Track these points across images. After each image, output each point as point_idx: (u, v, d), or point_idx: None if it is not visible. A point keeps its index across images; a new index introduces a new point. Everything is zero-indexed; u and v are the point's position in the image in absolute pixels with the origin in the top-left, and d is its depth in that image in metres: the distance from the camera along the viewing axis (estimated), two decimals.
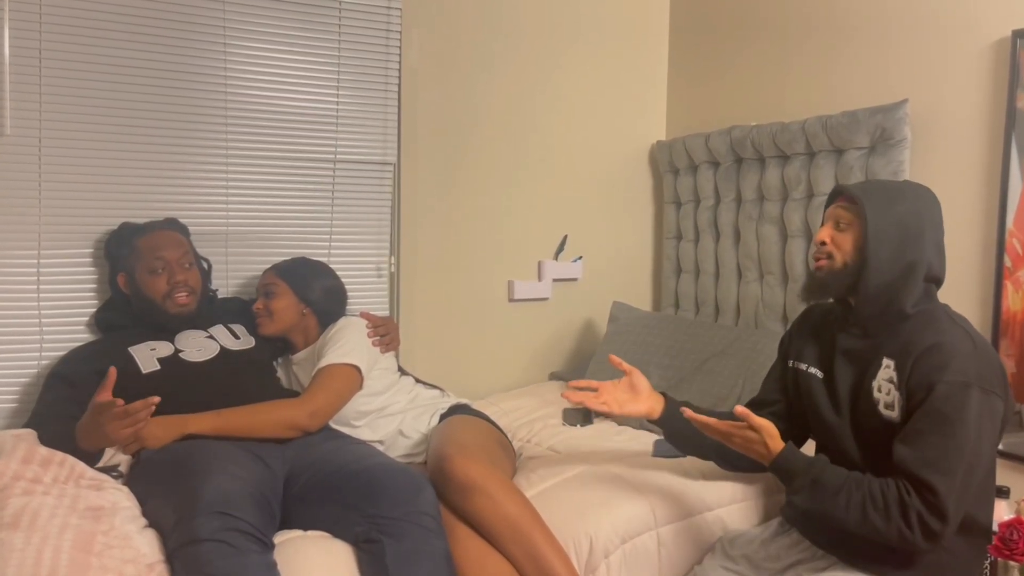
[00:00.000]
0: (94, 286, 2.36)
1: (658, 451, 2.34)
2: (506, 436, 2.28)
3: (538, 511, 1.91)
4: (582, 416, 2.68)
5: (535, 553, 1.82)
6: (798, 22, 2.77)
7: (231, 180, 2.54)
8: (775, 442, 1.65)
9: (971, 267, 2.27)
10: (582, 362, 3.12)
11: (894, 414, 1.63)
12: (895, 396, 1.63)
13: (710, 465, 2.18)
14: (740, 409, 1.65)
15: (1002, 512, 1.89)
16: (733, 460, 1.93)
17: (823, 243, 1.74)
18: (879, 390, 1.66)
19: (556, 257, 3.17)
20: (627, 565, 1.97)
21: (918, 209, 1.68)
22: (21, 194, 2.26)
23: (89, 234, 2.34)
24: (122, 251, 2.23)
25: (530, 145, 3.08)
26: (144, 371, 2.09)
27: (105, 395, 1.78)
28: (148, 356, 2.13)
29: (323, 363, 2.13)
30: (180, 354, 2.16)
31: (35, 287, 2.29)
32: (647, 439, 2.45)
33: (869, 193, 1.70)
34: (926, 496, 1.51)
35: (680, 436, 1.98)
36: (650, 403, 1.95)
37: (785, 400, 1.93)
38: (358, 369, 2.15)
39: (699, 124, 3.11)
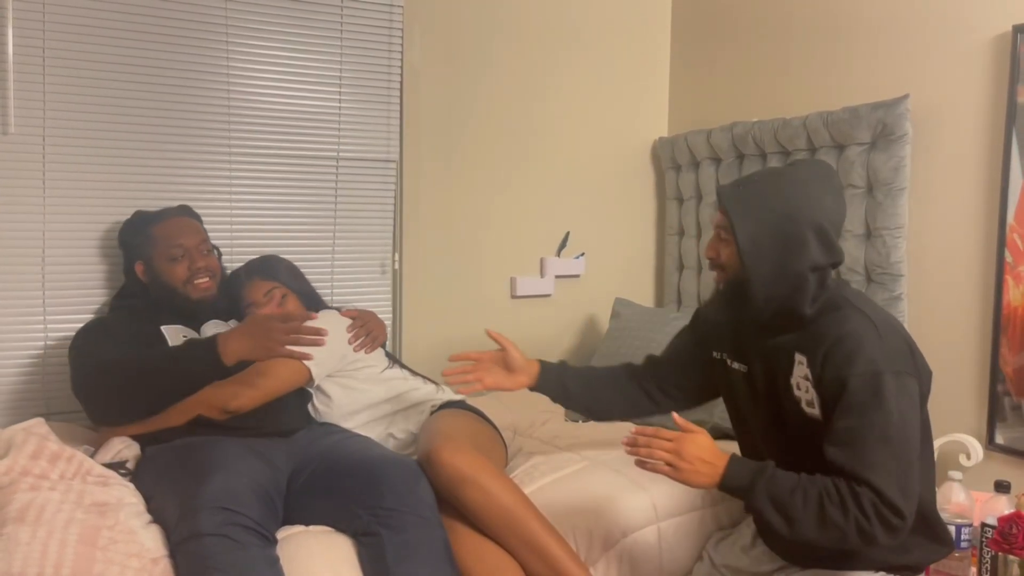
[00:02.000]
0: (99, 284, 2.37)
1: None
2: (497, 430, 2.26)
3: (538, 506, 1.91)
4: None
5: (532, 540, 1.82)
6: (800, 18, 2.77)
7: (235, 178, 2.55)
8: (719, 458, 1.56)
9: (972, 262, 2.27)
10: (585, 358, 3.12)
11: (816, 412, 1.57)
12: (813, 394, 1.57)
13: None
14: (679, 419, 1.60)
15: (1002, 507, 1.89)
16: (601, 412, 2.02)
17: (711, 258, 1.69)
18: (798, 388, 1.61)
19: (558, 254, 3.18)
20: (628, 559, 1.98)
21: (793, 213, 1.58)
22: (25, 193, 2.27)
23: (93, 232, 2.36)
24: (137, 239, 2.22)
25: (532, 141, 3.08)
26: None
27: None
28: (179, 340, 2.11)
29: None
30: None
31: (40, 286, 2.30)
32: None
33: (743, 206, 1.62)
34: (873, 498, 1.45)
35: (561, 398, 2.02)
36: (523, 377, 1.98)
37: (690, 379, 1.95)
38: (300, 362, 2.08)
39: (701, 120, 3.11)
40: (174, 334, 2.12)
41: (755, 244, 1.59)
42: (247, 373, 2.02)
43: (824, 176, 1.65)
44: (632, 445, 1.59)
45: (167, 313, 2.18)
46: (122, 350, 2.00)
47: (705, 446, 1.56)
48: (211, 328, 2.20)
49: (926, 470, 1.63)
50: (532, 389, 2.02)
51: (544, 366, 2.01)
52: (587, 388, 2.04)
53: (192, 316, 2.19)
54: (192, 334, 2.16)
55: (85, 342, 2.06)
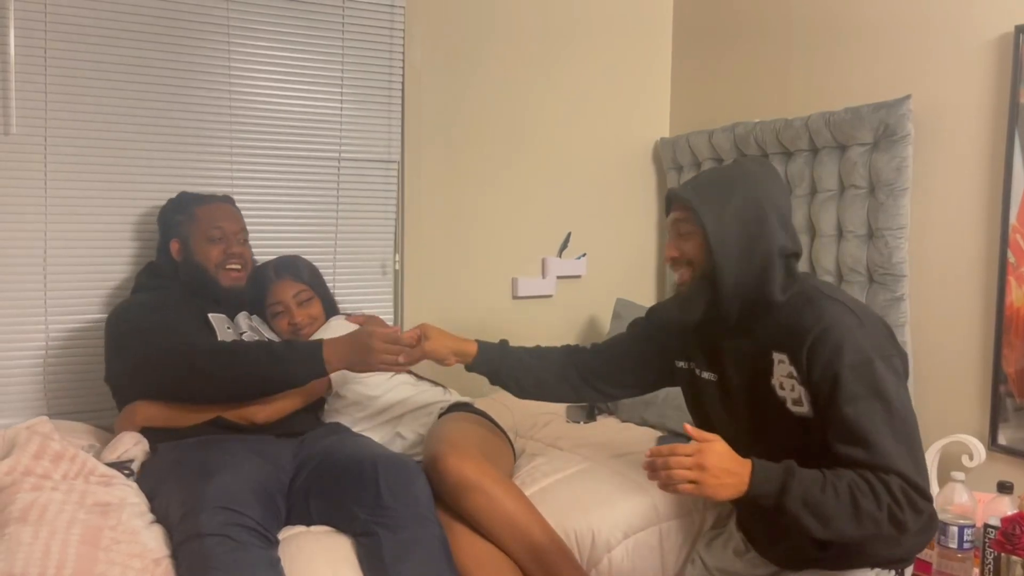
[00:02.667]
0: (100, 282, 2.37)
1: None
2: (505, 433, 2.27)
3: (540, 507, 1.91)
4: (586, 413, 2.70)
5: (535, 548, 1.82)
6: (801, 18, 2.77)
7: (236, 178, 2.55)
8: (742, 464, 1.47)
9: (974, 263, 2.27)
10: None
11: (804, 409, 1.54)
12: (800, 391, 1.54)
13: None
14: (691, 429, 1.52)
15: (1005, 507, 1.89)
16: (530, 390, 2.01)
17: (673, 257, 1.68)
18: (781, 388, 1.57)
19: (560, 254, 3.18)
20: (630, 560, 1.98)
21: (754, 196, 1.60)
22: (27, 193, 2.27)
23: (95, 232, 2.36)
24: (178, 217, 2.22)
25: (533, 142, 3.08)
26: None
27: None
28: (224, 331, 2.11)
29: None
30: (243, 336, 2.15)
31: (42, 287, 2.30)
32: (650, 435, 2.46)
33: (700, 193, 1.63)
34: (900, 483, 1.43)
35: (491, 373, 2.00)
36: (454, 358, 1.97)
37: (633, 378, 1.95)
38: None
39: (703, 121, 3.11)
40: (219, 323, 2.11)
41: (722, 227, 1.59)
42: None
43: (771, 170, 1.71)
44: (652, 469, 1.48)
45: (198, 298, 2.16)
46: (188, 334, 1.99)
47: (724, 454, 1.46)
48: (243, 320, 2.20)
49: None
50: (468, 369, 2.00)
51: (482, 345, 1.99)
52: (519, 364, 2.01)
53: (219, 303, 2.17)
54: (232, 324, 2.15)
55: (143, 319, 2.02)
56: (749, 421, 1.66)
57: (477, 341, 2.00)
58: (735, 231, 1.59)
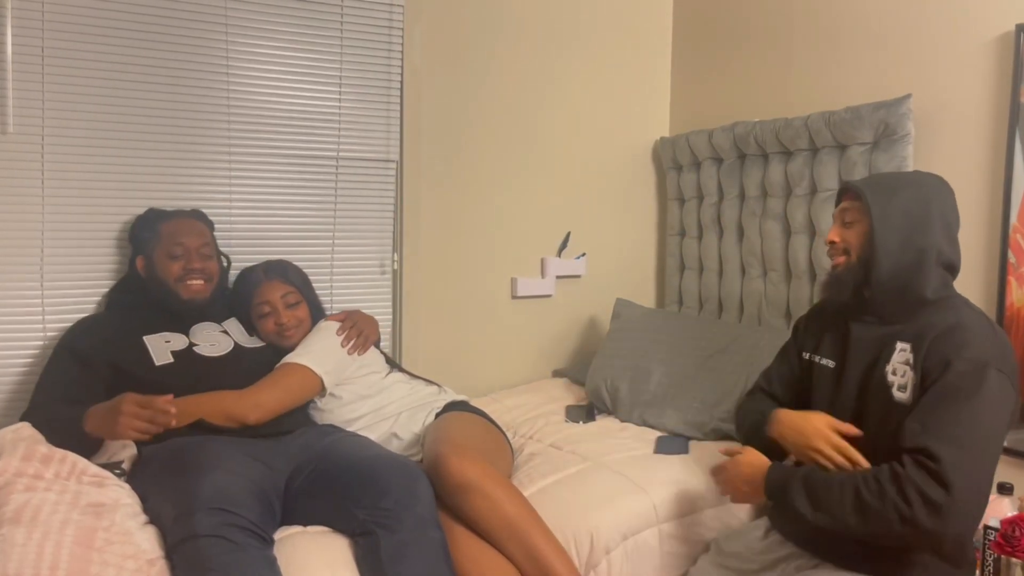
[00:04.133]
0: (97, 281, 2.36)
1: (660, 448, 2.34)
2: (504, 433, 2.27)
3: (539, 507, 1.91)
4: (585, 413, 2.69)
5: (534, 552, 1.81)
6: (801, 18, 2.76)
7: (234, 178, 2.54)
8: (759, 471, 1.70)
9: (975, 262, 2.25)
10: (585, 359, 3.12)
11: (906, 396, 1.59)
12: (909, 377, 1.59)
13: (712, 462, 2.18)
14: (722, 448, 1.75)
15: (1005, 509, 1.88)
16: None
17: (833, 242, 1.76)
18: (893, 373, 1.63)
19: (559, 254, 3.17)
20: (629, 561, 1.97)
21: (923, 195, 1.67)
22: (24, 192, 2.27)
23: (92, 231, 2.35)
24: (145, 234, 2.24)
25: (533, 142, 3.08)
26: (157, 363, 2.08)
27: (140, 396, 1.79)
28: (162, 348, 2.12)
29: (282, 361, 2.16)
30: (194, 348, 2.16)
31: (39, 285, 2.29)
32: (650, 436, 2.45)
33: (871, 185, 1.71)
34: (924, 463, 1.45)
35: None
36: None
37: (792, 395, 1.92)
38: (313, 372, 2.14)
39: (702, 120, 3.11)
40: (157, 343, 2.13)
41: (886, 216, 1.66)
42: (260, 387, 2.05)
43: (945, 183, 1.74)
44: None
45: (157, 312, 2.19)
46: (70, 385, 2.03)
47: (744, 464, 1.73)
48: (200, 331, 2.21)
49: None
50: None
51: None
52: None
53: (180, 316, 2.20)
54: (180, 340, 2.16)
55: (55, 360, 2.10)
56: (854, 406, 1.71)
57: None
58: (899, 222, 1.65)
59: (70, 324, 2.31)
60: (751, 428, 1.86)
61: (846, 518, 1.52)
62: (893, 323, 1.68)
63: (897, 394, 1.61)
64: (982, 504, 1.49)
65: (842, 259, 1.74)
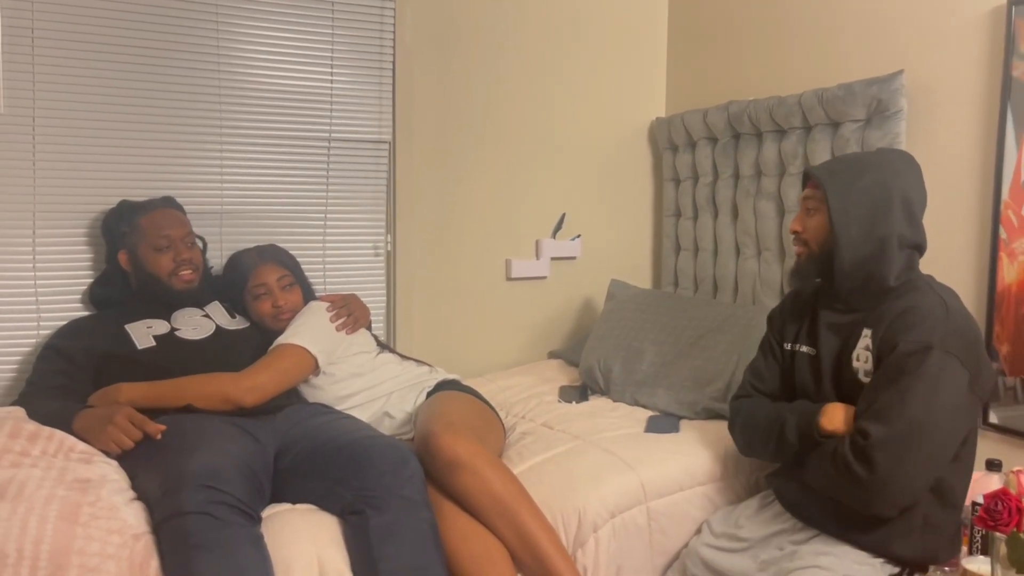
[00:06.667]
0: (89, 263, 2.38)
1: (651, 427, 2.34)
2: (495, 411, 2.27)
3: (528, 485, 1.91)
4: (578, 393, 2.69)
5: (522, 530, 1.82)
6: None
7: (225, 159, 2.54)
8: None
9: (966, 239, 2.24)
10: (580, 341, 3.11)
11: (869, 380, 1.65)
12: (870, 361, 1.65)
13: (702, 440, 2.19)
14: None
15: (994, 485, 1.87)
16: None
17: (795, 232, 1.78)
18: (858, 359, 1.69)
19: (554, 236, 3.16)
20: (617, 539, 1.97)
21: (883, 180, 1.67)
22: (15, 172, 2.28)
23: (84, 212, 2.36)
24: (122, 228, 2.24)
25: (528, 123, 3.06)
26: (140, 347, 2.10)
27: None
28: (144, 333, 2.14)
29: (275, 343, 2.16)
30: (176, 332, 2.17)
31: (31, 264, 2.31)
32: (641, 415, 2.45)
33: (832, 172, 1.71)
34: (855, 440, 1.56)
35: None
36: None
37: (786, 388, 1.93)
38: (308, 352, 2.14)
39: (697, 100, 3.09)
40: (138, 329, 2.14)
41: (845, 207, 1.67)
42: (257, 370, 2.05)
43: (909, 159, 1.75)
44: None
45: (145, 302, 2.21)
46: (57, 379, 2.06)
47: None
48: (180, 317, 2.22)
49: (962, 472, 1.70)
50: None
51: None
52: None
53: (171, 306, 2.23)
54: (162, 325, 2.18)
55: (41, 360, 2.13)
56: (832, 390, 1.76)
57: None
58: (857, 211, 1.66)
59: (63, 301, 2.33)
60: (794, 430, 1.77)
61: (819, 480, 1.66)
62: (859, 310, 1.72)
63: (863, 379, 1.67)
64: (914, 482, 1.56)
65: (803, 250, 1.76)
